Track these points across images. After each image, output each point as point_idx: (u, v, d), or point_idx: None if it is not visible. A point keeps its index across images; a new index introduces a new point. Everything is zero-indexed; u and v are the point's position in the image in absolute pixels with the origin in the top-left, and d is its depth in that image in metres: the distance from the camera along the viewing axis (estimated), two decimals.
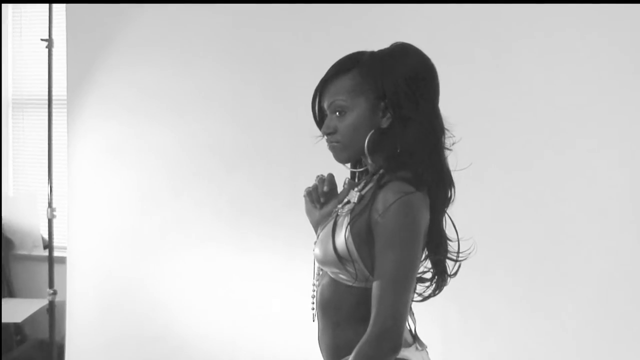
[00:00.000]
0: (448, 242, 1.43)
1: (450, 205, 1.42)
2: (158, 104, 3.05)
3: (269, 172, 2.94)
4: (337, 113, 1.41)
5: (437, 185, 1.37)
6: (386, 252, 1.28)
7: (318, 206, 1.54)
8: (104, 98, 3.12)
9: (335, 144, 1.42)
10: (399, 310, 1.27)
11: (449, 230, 1.43)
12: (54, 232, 3.32)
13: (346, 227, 1.35)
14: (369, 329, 1.28)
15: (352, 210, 1.37)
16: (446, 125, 1.41)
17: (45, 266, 3.37)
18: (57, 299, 3.35)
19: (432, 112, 1.38)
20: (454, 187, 1.41)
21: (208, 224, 3.03)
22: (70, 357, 3.24)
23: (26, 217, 3.97)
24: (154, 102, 3.05)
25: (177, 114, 3.04)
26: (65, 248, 3.31)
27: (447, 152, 1.41)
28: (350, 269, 1.35)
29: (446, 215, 1.43)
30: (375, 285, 1.29)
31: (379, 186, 1.33)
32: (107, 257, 3.18)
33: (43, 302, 3.52)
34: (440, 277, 1.44)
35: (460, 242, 1.43)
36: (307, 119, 1.50)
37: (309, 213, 1.56)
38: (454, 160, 1.43)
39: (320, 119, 1.47)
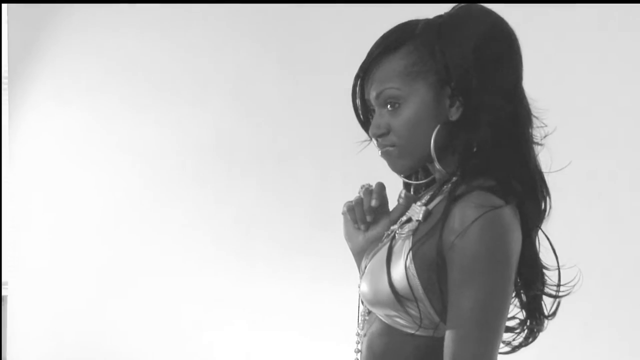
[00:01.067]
0: (544, 271, 1.45)
1: (544, 221, 1.44)
2: (134, 84, 3.09)
3: (287, 181, 2.97)
4: (389, 106, 1.43)
5: (527, 195, 1.39)
6: (465, 287, 1.29)
7: (363, 227, 1.56)
8: (59, 74, 3.17)
9: (389, 148, 1.44)
10: None
11: (544, 256, 1.46)
12: None
13: (407, 254, 1.36)
14: None
15: (415, 231, 1.39)
16: (534, 111, 1.43)
17: None
18: None
19: (515, 94, 1.40)
20: (549, 195, 1.43)
21: (204, 248, 3.08)
22: None
23: None
24: (128, 81, 3.09)
25: (161, 99, 3.08)
26: (6, 283, 3.37)
27: (537, 149, 1.43)
28: (413, 311, 1.37)
29: (540, 234, 1.45)
30: (448, 335, 1.30)
31: (453, 198, 1.34)
32: (60, 295, 3.23)
33: None
34: (535, 320, 1.46)
35: (561, 270, 1.45)
36: (339, 111, 1.52)
37: (349, 237, 1.58)
38: (547, 158, 1.45)
39: (365, 116, 1.50)
